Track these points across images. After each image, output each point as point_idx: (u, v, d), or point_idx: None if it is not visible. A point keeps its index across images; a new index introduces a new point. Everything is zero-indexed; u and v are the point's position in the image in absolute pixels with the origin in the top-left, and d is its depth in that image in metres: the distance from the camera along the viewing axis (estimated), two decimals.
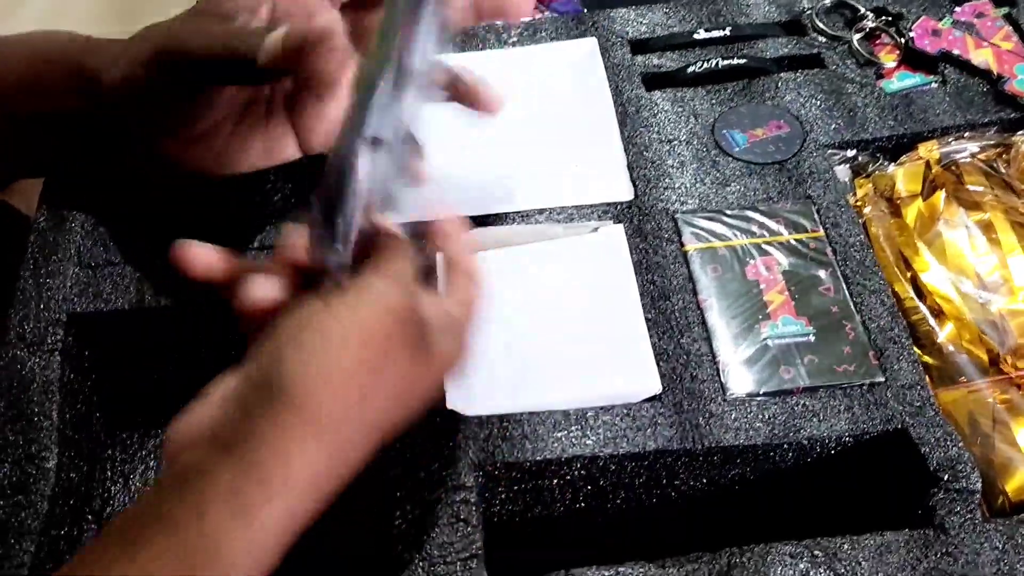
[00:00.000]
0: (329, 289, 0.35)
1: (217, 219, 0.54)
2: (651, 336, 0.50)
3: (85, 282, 0.52)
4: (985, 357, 0.51)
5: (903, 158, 0.59)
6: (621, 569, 0.43)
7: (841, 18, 0.66)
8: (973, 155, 0.58)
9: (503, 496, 0.48)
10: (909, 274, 0.54)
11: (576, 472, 0.47)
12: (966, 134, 0.59)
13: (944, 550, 0.43)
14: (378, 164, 0.36)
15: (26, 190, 0.62)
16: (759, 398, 0.48)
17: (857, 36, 0.64)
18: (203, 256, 0.38)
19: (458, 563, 0.43)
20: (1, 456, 0.46)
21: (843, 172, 0.59)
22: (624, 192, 0.56)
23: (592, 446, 0.46)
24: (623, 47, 0.64)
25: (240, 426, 0.33)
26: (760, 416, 0.47)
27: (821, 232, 0.54)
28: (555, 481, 0.47)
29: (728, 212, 0.55)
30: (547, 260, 0.53)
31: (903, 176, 0.58)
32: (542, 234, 0.54)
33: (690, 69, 0.62)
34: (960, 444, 0.46)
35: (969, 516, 0.44)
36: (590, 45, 0.64)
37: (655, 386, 0.48)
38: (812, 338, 0.50)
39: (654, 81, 0.62)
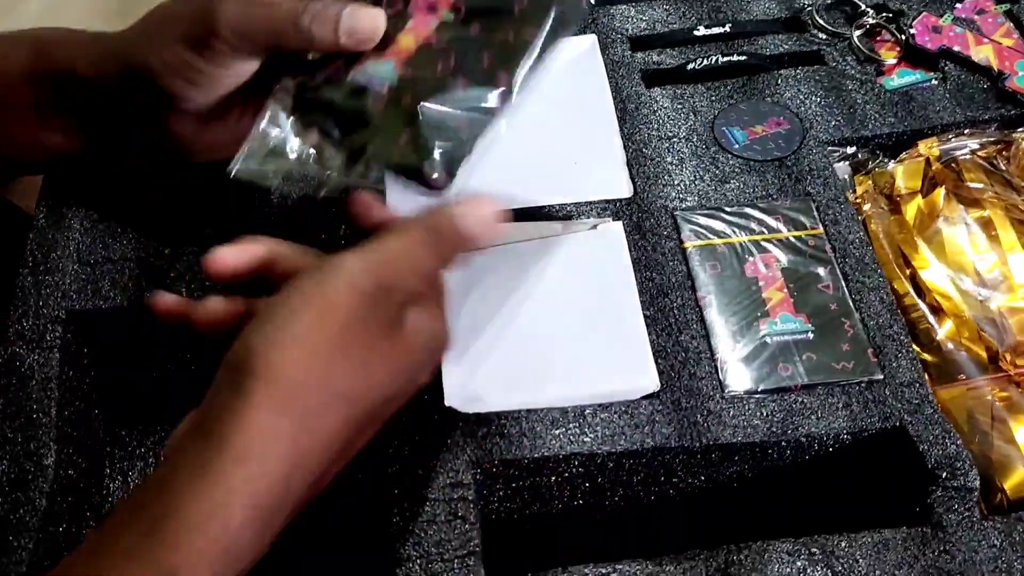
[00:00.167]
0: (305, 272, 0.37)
1: (216, 218, 0.54)
2: (650, 333, 0.50)
3: (84, 279, 0.52)
4: (984, 355, 0.51)
5: (903, 155, 0.59)
6: (619, 566, 0.43)
7: (841, 15, 0.66)
8: (973, 152, 0.58)
9: (501, 493, 0.48)
10: (908, 271, 0.54)
11: (574, 469, 0.47)
12: (966, 131, 0.59)
13: (942, 548, 0.43)
14: None
15: (26, 187, 0.62)
16: (757, 395, 0.48)
17: (857, 33, 0.64)
18: (165, 302, 0.42)
19: (456, 560, 0.43)
20: (0, 453, 0.46)
21: (843, 169, 0.59)
22: (623, 189, 0.56)
23: (590, 443, 0.46)
24: (623, 44, 0.64)
25: (209, 403, 0.34)
26: (758, 413, 0.47)
27: (820, 229, 0.54)
28: (553, 478, 0.47)
29: (727, 209, 0.55)
30: (546, 257, 0.53)
31: (903, 173, 0.58)
32: (541, 231, 0.54)
33: (690, 66, 0.62)
34: (958, 442, 0.46)
35: (967, 514, 0.44)
36: (590, 42, 0.64)
37: (653, 383, 0.48)
38: (811, 335, 0.50)
39: (654, 78, 0.62)
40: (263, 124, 0.44)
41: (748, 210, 0.55)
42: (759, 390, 0.48)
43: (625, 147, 0.58)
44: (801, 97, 0.60)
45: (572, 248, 0.53)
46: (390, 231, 0.38)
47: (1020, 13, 0.65)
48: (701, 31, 0.64)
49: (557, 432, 0.47)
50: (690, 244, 0.53)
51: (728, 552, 0.43)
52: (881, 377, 0.48)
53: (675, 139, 0.58)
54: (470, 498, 0.45)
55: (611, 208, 0.55)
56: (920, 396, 0.47)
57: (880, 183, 0.58)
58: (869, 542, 0.43)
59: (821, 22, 0.65)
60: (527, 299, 0.51)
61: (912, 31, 0.63)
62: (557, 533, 0.50)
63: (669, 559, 0.43)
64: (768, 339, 0.49)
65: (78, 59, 0.48)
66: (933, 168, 0.57)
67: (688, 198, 0.56)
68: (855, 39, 0.63)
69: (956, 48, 0.62)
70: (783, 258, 0.52)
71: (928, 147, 0.58)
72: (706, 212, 0.55)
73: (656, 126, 0.59)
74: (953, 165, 0.57)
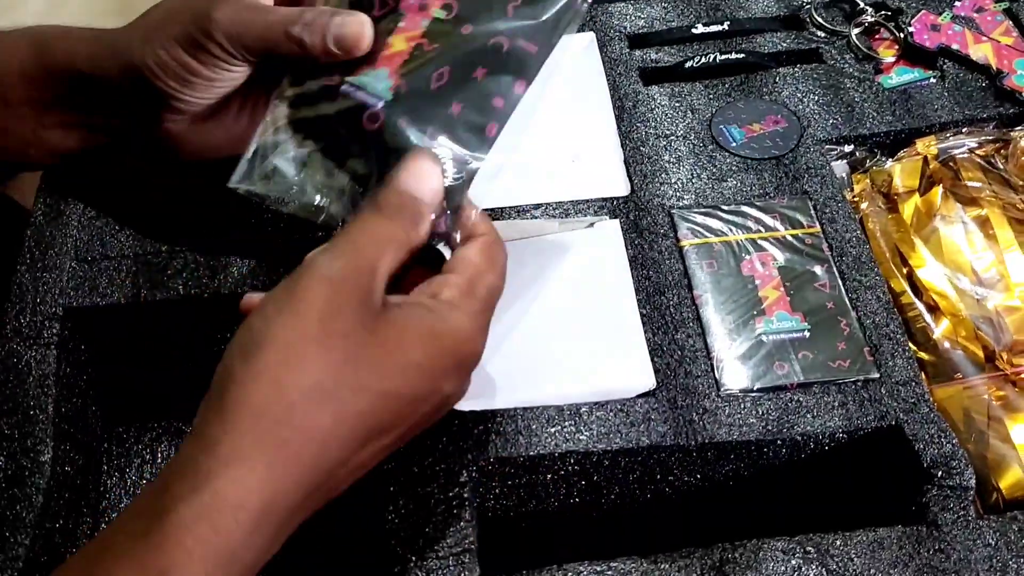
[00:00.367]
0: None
1: (214, 216, 0.54)
2: (646, 332, 0.50)
3: (81, 276, 0.52)
4: (981, 353, 0.51)
5: (901, 153, 0.59)
6: (614, 564, 0.43)
7: (840, 13, 0.66)
8: (971, 150, 0.58)
9: (497, 491, 0.48)
10: (905, 270, 0.54)
11: (570, 467, 0.47)
12: (964, 129, 0.59)
13: (937, 547, 0.43)
14: None
15: (24, 184, 0.62)
16: (753, 394, 0.48)
17: (856, 31, 0.64)
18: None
19: (451, 558, 0.43)
20: None
21: (840, 167, 0.59)
22: (620, 187, 0.56)
23: (586, 441, 0.46)
24: (621, 41, 0.64)
25: (203, 407, 0.34)
26: (754, 412, 0.47)
27: (817, 228, 0.54)
28: (549, 476, 0.48)
29: (724, 207, 0.55)
30: (542, 255, 0.53)
31: (900, 172, 0.58)
32: (538, 229, 0.54)
33: (688, 64, 0.62)
34: (954, 441, 0.46)
35: (962, 513, 0.44)
36: (588, 39, 0.64)
37: (649, 382, 0.48)
38: (807, 334, 0.50)
39: (652, 76, 0.62)
40: (260, 138, 0.44)
41: (745, 208, 0.55)
42: (755, 388, 0.48)
43: (623, 145, 0.58)
44: (799, 95, 0.60)
45: (569, 246, 0.53)
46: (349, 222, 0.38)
47: (1019, 11, 0.65)
48: (699, 29, 0.64)
49: (553, 430, 0.47)
50: (687, 242, 0.53)
51: (723, 550, 0.43)
52: (877, 376, 0.48)
53: (673, 137, 0.58)
54: (466, 496, 0.45)
55: (608, 206, 0.55)
56: (916, 395, 0.47)
57: (878, 182, 0.58)
58: (864, 541, 0.43)
59: (819, 20, 0.64)
60: (523, 297, 0.51)
61: (911, 29, 0.63)
62: (553, 531, 0.50)
63: (664, 557, 0.43)
64: (764, 337, 0.49)
65: (78, 56, 0.48)
66: (931, 167, 0.57)
67: (685, 196, 0.56)
68: (853, 37, 0.63)
69: (955, 46, 0.62)
70: (780, 256, 0.52)
71: (926, 146, 0.58)
72: (703, 210, 0.55)
73: (654, 124, 0.59)
74: (951, 164, 0.57)
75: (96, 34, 0.49)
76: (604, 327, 0.50)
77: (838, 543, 0.43)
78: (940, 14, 0.64)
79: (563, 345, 0.49)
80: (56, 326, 0.50)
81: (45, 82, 0.49)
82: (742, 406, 0.47)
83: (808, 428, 0.47)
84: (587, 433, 0.47)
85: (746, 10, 0.66)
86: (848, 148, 0.59)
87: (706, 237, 0.54)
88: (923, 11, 0.64)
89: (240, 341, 0.35)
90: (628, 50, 0.63)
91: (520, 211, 0.55)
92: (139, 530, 0.32)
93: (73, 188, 0.55)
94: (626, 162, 0.57)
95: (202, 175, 0.48)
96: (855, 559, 0.42)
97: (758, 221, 0.54)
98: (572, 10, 0.42)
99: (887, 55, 0.63)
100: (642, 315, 0.50)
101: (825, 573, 0.42)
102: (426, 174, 0.39)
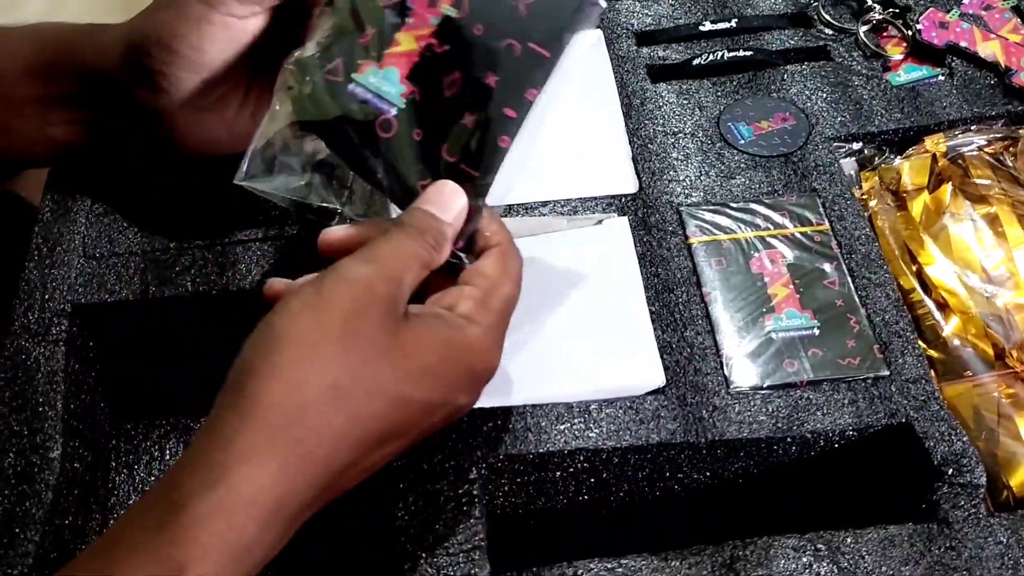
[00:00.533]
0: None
1: (222, 212, 0.54)
2: (655, 329, 0.50)
3: (89, 273, 0.52)
4: (991, 351, 0.51)
5: (909, 151, 0.59)
6: (624, 561, 0.43)
7: (848, 10, 0.65)
8: (980, 148, 0.58)
9: (506, 488, 0.48)
10: (915, 267, 0.54)
11: (579, 465, 0.47)
12: (973, 127, 0.59)
13: (948, 544, 0.43)
14: None
15: (31, 180, 0.62)
16: (763, 391, 0.48)
17: (864, 28, 0.64)
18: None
19: (461, 555, 0.43)
20: (6, 446, 0.46)
21: (849, 165, 0.59)
22: (628, 184, 0.56)
23: (595, 439, 0.46)
24: (628, 39, 0.64)
25: (218, 403, 0.35)
26: (764, 409, 0.47)
27: (826, 225, 0.54)
28: (558, 474, 0.47)
29: (733, 205, 0.55)
30: (551, 252, 0.53)
31: (909, 169, 0.58)
32: (546, 226, 0.54)
33: (695, 61, 0.62)
34: (965, 438, 0.46)
35: (973, 510, 0.44)
36: (595, 37, 0.64)
37: (659, 379, 0.48)
38: (816, 331, 0.49)
39: (659, 73, 0.62)
40: (265, 135, 0.43)
41: (754, 206, 0.55)
42: (764, 386, 0.48)
43: (630, 142, 0.58)
44: (807, 93, 0.60)
45: (577, 243, 0.53)
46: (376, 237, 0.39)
47: None
48: (707, 26, 0.64)
49: (562, 427, 0.46)
50: (695, 240, 0.53)
51: (734, 547, 0.43)
52: (887, 373, 0.48)
53: (681, 134, 0.58)
54: (475, 493, 0.45)
55: (616, 203, 0.55)
56: (926, 392, 0.47)
57: (886, 179, 0.58)
58: (875, 538, 0.43)
59: (827, 17, 0.64)
60: (532, 294, 0.51)
61: (919, 26, 0.63)
62: (562, 528, 0.50)
63: (675, 554, 0.43)
64: (774, 335, 0.49)
65: (84, 48, 0.48)
66: (939, 164, 0.57)
67: (694, 194, 0.56)
68: (861, 35, 0.63)
69: (963, 44, 0.62)
70: (789, 254, 0.52)
71: (935, 143, 0.58)
72: (712, 208, 0.55)
73: (662, 121, 0.59)
74: (960, 161, 0.57)
75: (102, 26, 0.49)
76: (613, 324, 0.50)
77: (849, 540, 0.43)
78: (948, 11, 0.64)
79: (572, 342, 0.49)
80: (64, 323, 0.50)
81: (50, 79, 0.49)
82: (752, 403, 0.47)
83: (818, 426, 0.47)
84: (596, 430, 0.46)
85: (754, 7, 0.66)
86: (856, 146, 0.59)
87: (715, 234, 0.53)
88: (931, 8, 0.64)
89: (261, 336, 0.35)
90: (636, 47, 0.63)
91: (528, 208, 0.55)
92: (152, 524, 0.32)
93: (81, 185, 0.55)
94: (634, 159, 0.57)
95: (209, 171, 0.48)
96: (866, 556, 0.42)
97: (767, 218, 0.54)
98: (585, 10, 0.42)
99: (895, 53, 0.63)
100: (651, 312, 0.50)
101: (836, 570, 0.42)
102: (451, 196, 0.41)
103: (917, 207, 0.56)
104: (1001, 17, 0.64)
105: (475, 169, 0.41)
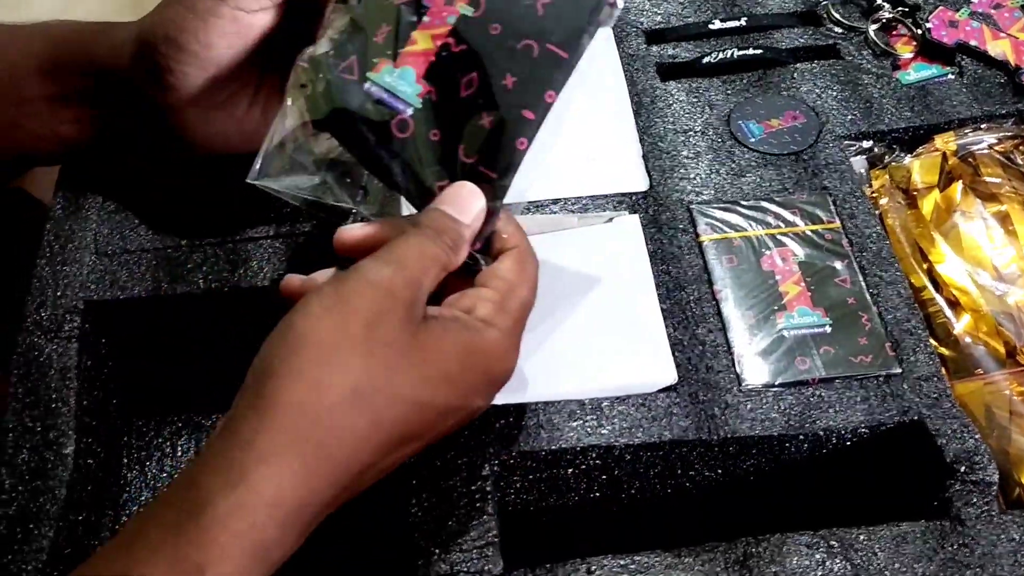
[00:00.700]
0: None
1: (234, 210, 0.54)
2: (666, 327, 0.50)
3: (101, 270, 0.52)
4: (1002, 349, 0.51)
5: (919, 149, 0.59)
6: (637, 558, 0.43)
7: (857, 9, 0.65)
8: (990, 146, 0.58)
9: (519, 485, 0.48)
10: (925, 265, 0.54)
11: (591, 462, 0.47)
12: (983, 125, 0.59)
13: (960, 541, 0.43)
14: None
15: (43, 178, 0.62)
16: (775, 389, 0.48)
17: (874, 27, 0.64)
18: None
19: (474, 551, 0.43)
20: (19, 442, 0.46)
21: (859, 163, 0.59)
22: (639, 182, 0.56)
23: (607, 436, 0.46)
24: (638, 37, 0.64)
25: (237, 404, 0.35)
26: (776, 407, 0.47)
27: (837, 223, 0.54)
28: (570, 471, 0.48)
29: (743, 203, 0.55)
30: (562, 250, 0.53)
31: (919, 167, 0.58)
32: (557, 224, 0.54)
33: (705, 59, 0.62)
34: (977, 436, 0.46)
35: (986, 508, 0.44)
36: (605, 35, 0.64)
37: (671, 376, 0.48)
38: (828, 329, 0.50)
39: (669, 71, 0.62)
40: (278, 133, 0.43)
41: (764, 204, 0.55)
42: (776, 384, 0.48)
43: (641, 140, 0.58)
44: (817, 91, 0.60)
45: (588, 241, 0.53)
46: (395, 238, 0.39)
47: None
48: (717, 24, 0.64)
49: (575, 424, 0.47)
50: (706, 238, 0.53)
51: (747, 544, 0.43)
52: (899, 371, 0.48)
53: (691, 133, 0.58)
54: (488, 489, 0.45)
55: (627, 201, 0.55)
56: (938, 390, 0.47)
57: (897, 177, 0.58)
58: (888, 535, 0.43)
59: (837, 16, 0.64)
60: (543, 292, 0.51)
61: (928, 25, 0.63)
62: (574, 525, 0.50)
63: (688, 551, 0.43)
64: (785, 333, 0.49)
65: (95, 46, 0.48)
66: (950, 163, 0.57)
67: (704, 192, 0.56)
68: (871, 33, 0.63)
69: (973, 42, 0.62)
70: (800, 252, 0.52)
71: (945, 141, 0.58)
72: (722, 206, 0.55)
73: (672, 120, 0.59)
74: (970, 160, 0.57)
75: (112, 24, 0.49)
76: (625, 322, 0.50)
77: (862, 537, 0.43)
78: (958, 10, 0.64)
79: (584, 340, 0.49)
80: (77, 320, 0.50)
81: (60, 77, 0.49)
82: (764, 401, 0.47)
83: (830, 423, 0.47)
84: (609, 427, 0.47)
85: (763, 6, 0.66)
86: (867, 144, 0.59)
87: (725, 232, 0.54)
88: (940, 7, 0.64)
89: (282, 337, 0.35)
90: (645, 46, 0.63)
91: (539, 206, 0.55)
92: (171, 523, 0.32)
93: (92, 182, 0.55)
94: (644, 157, 0.57)
95: (218, 170, 0.48)
96: (879, 553, 0.42)
97: (778, 216, 0.54)
98: (603, 11, 0.41)
99: (905, 51, 0.63)
100: (662, 310, 0.50)
101: (849, 567, 0.42)
102: (469, 198, 0.40)
103: (928, 205, 0.56)
104: (1011, 16, 0.64)
105: (493, 171, 0.41)
